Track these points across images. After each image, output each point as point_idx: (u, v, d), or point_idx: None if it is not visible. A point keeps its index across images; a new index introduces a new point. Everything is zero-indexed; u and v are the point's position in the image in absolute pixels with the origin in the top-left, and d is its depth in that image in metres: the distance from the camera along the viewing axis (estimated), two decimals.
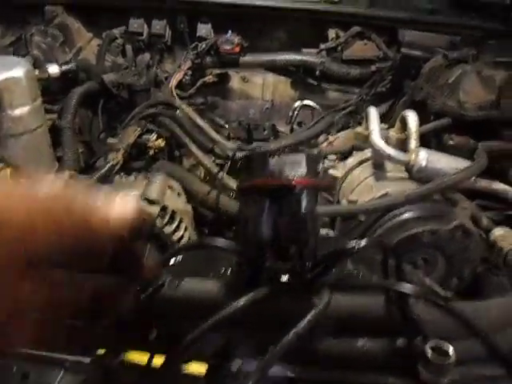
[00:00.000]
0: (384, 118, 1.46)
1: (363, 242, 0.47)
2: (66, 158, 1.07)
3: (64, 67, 1.10)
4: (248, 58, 1.42)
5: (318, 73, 1.42)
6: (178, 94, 1.38)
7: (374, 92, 1.42)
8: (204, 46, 1.37)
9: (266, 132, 1.52)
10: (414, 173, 0.84)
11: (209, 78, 1.44)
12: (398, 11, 1.42)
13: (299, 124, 1.50)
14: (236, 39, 1.35)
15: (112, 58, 1.43)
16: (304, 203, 0.44)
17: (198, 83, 1.43)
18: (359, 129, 0.98)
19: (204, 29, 1.41)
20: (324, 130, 1.15)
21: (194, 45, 1.39)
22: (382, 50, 1.45)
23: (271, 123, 1.54)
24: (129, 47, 1.46)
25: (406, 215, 0.74)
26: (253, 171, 0.48)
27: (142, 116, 1.07)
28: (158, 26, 1.41)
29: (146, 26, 1.43)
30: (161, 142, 1.02)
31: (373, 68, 1.45)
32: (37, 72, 1.05)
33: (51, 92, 1.20)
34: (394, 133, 0.99)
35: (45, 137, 1.04)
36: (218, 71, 1.44)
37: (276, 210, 0.44)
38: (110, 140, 0.98)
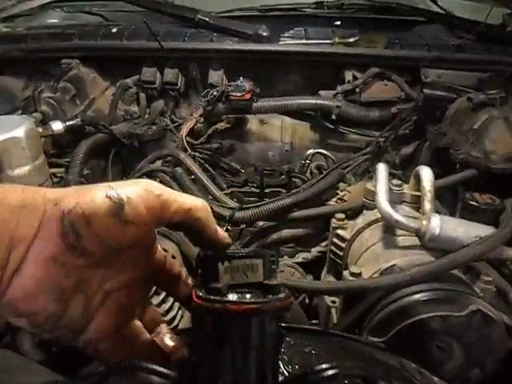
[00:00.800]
0: (407, 163, 1.37)
1: (333, 371, 0.39)
2: None
3: (68, 123, 1.09)
4: (260, 104, 1.37)
5: (334, 117, 1.34)
6: (189, 142, 1.35)
7: (395, 135, 1.33)
8: (215, 93, 1.33)
9: (282, 177, 1.45)
10: (425, 241, 0.75)
11: (221, 125, 1.40)
12: (420, 50, 1.33)
13: (318, 168, 1.43)
14: (247, 85, 1.31)
15: (125, 108, 1.42)
16: (254, 332, 0.37)
17: (210, 130, 1.40)
18: (369, 185, 0.90)
19: (215, 75, 1.38)
20: (334, 184, 1.06)
21: (204, 92, 1.36)
22: (403, 91, 1.36)
23: (289, 167, 1.48)
24: (142, 96, 1.45)
25: (413, 298, 0.64)
26: (203, 277, 0.42)
27: (143, 173, 1.03)
28: (170, 74, 1.40)
29: (158, 74, 1.41)
30: None
31: (394, 110, 1.36)
32: (40, 129, 1.04)
33: (59, 146, 1.20)
34: (408, 190, 0.90)
35: None
36: (230, 117, 1.40)
37: (219, 338, 0.37)
38: None
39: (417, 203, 0.88)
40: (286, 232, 1.03)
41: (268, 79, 1.43)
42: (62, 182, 1.13)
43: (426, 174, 0.84)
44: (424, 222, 0.75)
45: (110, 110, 1.37)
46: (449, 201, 1.08)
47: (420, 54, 1.31)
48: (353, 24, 1.44)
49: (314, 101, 1.36)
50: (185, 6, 1.44)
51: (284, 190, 1.41)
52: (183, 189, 1.03)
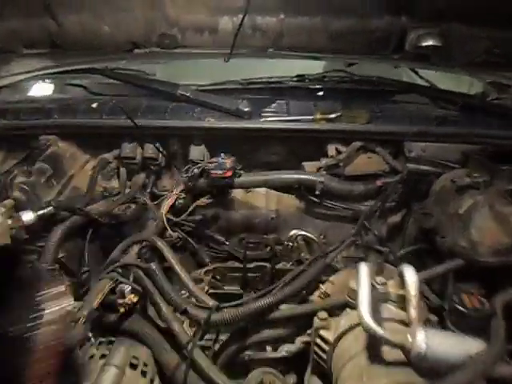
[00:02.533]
0: (394, 234, 1.33)
1: None
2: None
3: (40, 212, 1.05)
4: (242, 180, 1.35)
5: (317, 192, 1.31)
6: (170, 219, 1.31)
7: (381, 208, 1.30)
8: (196, 170, 1.30)
9: (268, 249, 1.41)
10: (411, 359, 0.69)
11: (202, 201, 1.37)
12: (403, 123, 1.32)
13: (304, 240, 1.40)
14: (228, 163, 1.28)
15: (104, 184, 1.39)
16: None
17: (191, 207, 1.36)
18: (352, 284, 0.85)
19: (196, 151, 1.36)
20: (317, 276, 1.02)
21: (186, 168, 1.33)
22: (388, 164, 1.34)
23: (274, 237, 1.45)
24: (123, 170, 1.42)
25: None
26: None
27: (115, 267, 0.98)
28: (151, 149, 1.37)
29: (139, 149, 1.39)
30: (133, 298, 0.92)
31: (379, 183, 1.33)
32: (10, 222, 1.00)
33: (33, 231, 1.15)
34: (393, 289, 0.85)
35: None
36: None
37: None
38: (74, 305, 0.89)
39: (402, 302, 0.83)
40: (267, 333, 0.97)
41: (250, 153, 1.41)
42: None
43: (410, 275, 0.80)
44: (409, 338, 0.70)
45: (89, 187, 1.34)
46: (438, 287, 1.04)
47: (403, 129, 1.29)
48: (334, 95, 1.43)
49: (296, 176, 1.34)
50: (166, 81, 1.44)
51: (268, 265, 1.38)
52: (157, 286, 0.97)
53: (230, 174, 1.29)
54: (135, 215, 1.28)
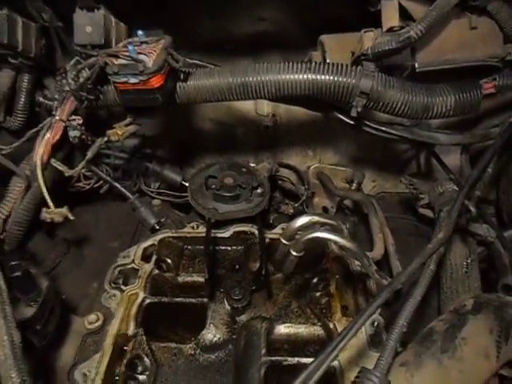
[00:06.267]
0: None
1: None
2: None
3: None
4: (193, 86, 0.63)
5: (354, 113, 0.61)
6: (61, 173, 0.63)
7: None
8: (87, 71, 0.58)
9: (258, 190, 0.74)
10: None
11: (117, 134, 0.66)
12: None
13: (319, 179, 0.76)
14: (153, 54, 0.56)
15: None
16: None
17: (99, 143, 0.65)
18: None
19: (87, 22, 0.61)
20: None
21: (71, 65, 0.60)
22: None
23: (271, 164, 0.83)
24: None
25: None
26: None
27: None
28: None
29: None
30: None
31: (487, 87, 0.61)
32: None
33: None
34: None
35: None
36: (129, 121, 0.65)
37: None
38: None
39: None
40: None
41: (218, 15, 0.66)
42: None
43: None
44: None
45: None
46: None
47: None
48: None
49: (311, 76, 0.60)
50: None
51: (255, 230, 0.71)
52: None
53: (159, 81, 0.57)
54: None
